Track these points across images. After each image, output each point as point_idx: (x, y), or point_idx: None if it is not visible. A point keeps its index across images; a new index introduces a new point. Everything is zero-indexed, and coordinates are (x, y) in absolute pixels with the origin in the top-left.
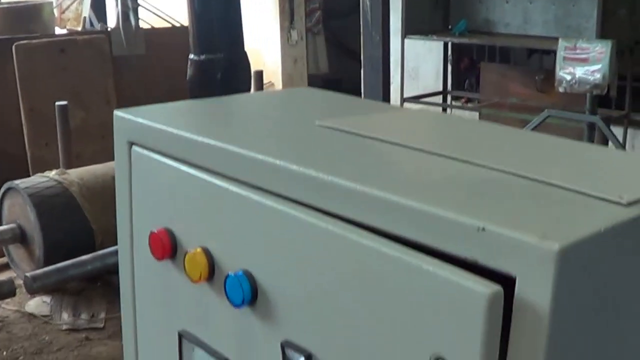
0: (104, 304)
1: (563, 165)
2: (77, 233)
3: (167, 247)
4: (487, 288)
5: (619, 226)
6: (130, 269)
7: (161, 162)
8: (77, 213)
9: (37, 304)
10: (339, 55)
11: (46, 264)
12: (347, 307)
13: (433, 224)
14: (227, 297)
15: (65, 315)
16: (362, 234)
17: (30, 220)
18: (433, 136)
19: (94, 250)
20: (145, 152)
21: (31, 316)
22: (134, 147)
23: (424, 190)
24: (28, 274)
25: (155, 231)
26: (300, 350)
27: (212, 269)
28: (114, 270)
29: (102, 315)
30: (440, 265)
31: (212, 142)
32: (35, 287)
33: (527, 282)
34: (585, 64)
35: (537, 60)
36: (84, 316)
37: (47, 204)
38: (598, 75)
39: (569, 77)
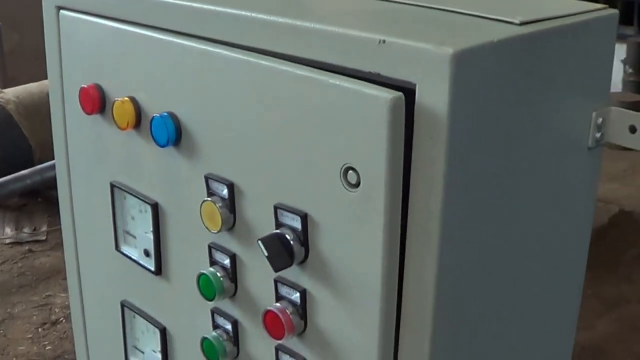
0: (45, 218)
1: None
2: (15, 150)
3: (96, 101)
4: (389, 94)
5: (512, 40)
6: (62, 127)
7: (87, 21)
8: (15, 130)
9: None
10: None
11: None
12: (263, 134)
13: (338, 42)
14: (154, 139)
15: (7, 230)
16: (275, 60)
17: None
18: None
19: (33, 166)
20: (72, 14)
21: None
22: (62, 11)
23: (330, 17)
24: None
25: (85, 86)
26: (222, 180)
27: (138, 116)
28: (53, 184)
29: (44, 228)
30: (346, 79)
31: None
32: None
33: (425, 88)
34: None
35: None
36: (26, 230)
37: None
38: None
39: None
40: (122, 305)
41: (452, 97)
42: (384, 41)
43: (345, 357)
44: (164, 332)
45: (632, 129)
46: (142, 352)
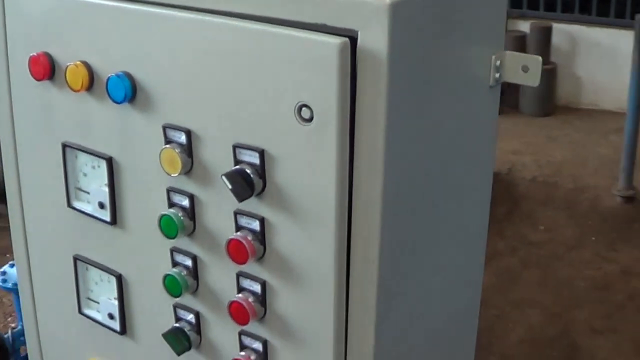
0: None
1: None
2: None
3: (47, 67)
4: (336, 40)
5: None
6: (7, 95)
7: None
8: None
9: None
10: None
11: None
12: (220, 85)
13: None
14: (110, 97)
15: None
16: (230, 18)
17: None
18: None
19: None
20: None
21: None
22: None
23: None
24: None
25: (35, 54)
26: (180, 128)
27: (91, 78)
28: None
29: None
30: (298, 30)
31: None
32: None
33: (367, 34)
34: None
35: None
36: None
37: None
38: None
39: None
40: (75, 260)
41: (390, 40)
42: None
43: (303, 275)
44: (120, 279)
45: (525, 69)
46: (97, 302)
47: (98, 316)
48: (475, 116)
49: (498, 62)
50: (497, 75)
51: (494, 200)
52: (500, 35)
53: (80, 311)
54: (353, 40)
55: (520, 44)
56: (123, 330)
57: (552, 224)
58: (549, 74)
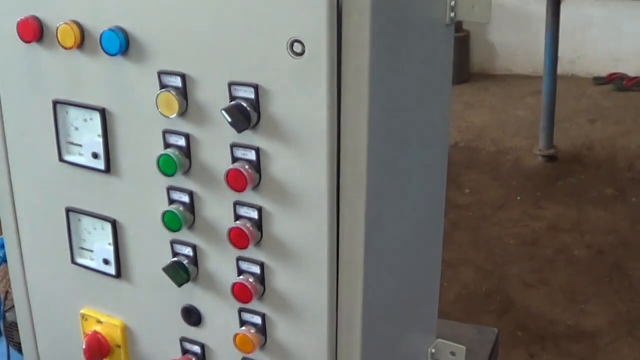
0: None
1: None
2: None
3: (37, 29)
4: None
5: None
6: None
7: None
8: None
9: None
10: None
11: None
12: (212, 29)
13: None
14: (103, 50)
15: None
16: None
17: None
18: None
19: None
20: None
21: None
22: None
23: None
24: None
25: (23, 18)
26: (174, 73)
27: (82, 36)
28: None
29: None
30: None
31: None
32: None
33: None
34: None
35: None
36: None
37: None
38: None
39: None
40: (67, 211)
41: None
42: None
43: (298, 198)
44: (114, 224)
45: (475, 7)
46: (90, 251)
47: (92, 264)
48: (435, 53)
49: (452, 2)
50: (452, 14)
51: None
52: None
53: (73, 261)
54: None
55: None
56: (118, 274)
57: (478, 187)
58: (462, 41)
